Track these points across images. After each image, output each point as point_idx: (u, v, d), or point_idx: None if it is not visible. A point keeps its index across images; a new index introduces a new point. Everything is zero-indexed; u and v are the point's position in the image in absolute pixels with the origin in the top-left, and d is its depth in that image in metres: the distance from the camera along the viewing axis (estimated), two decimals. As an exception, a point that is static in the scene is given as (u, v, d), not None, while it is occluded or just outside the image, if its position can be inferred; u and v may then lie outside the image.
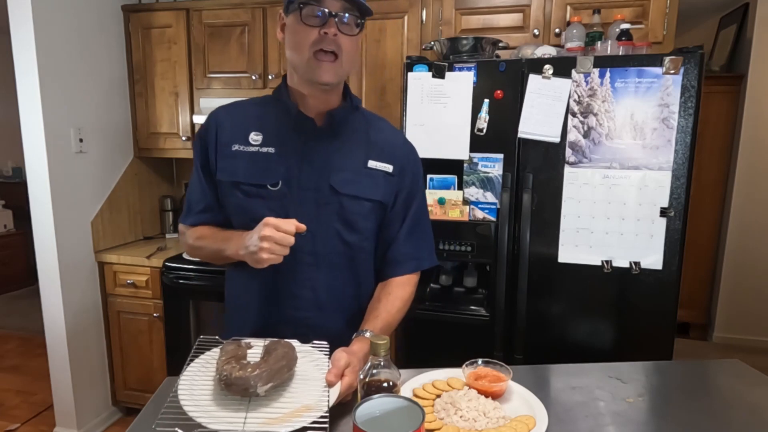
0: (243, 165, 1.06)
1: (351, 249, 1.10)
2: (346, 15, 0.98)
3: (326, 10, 0.96)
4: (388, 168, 1.11)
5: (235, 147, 1.07)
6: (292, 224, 0.91)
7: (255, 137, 1.07)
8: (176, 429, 0.74)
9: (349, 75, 1.08)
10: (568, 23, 1.96)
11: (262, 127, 1.08)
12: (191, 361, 0.91)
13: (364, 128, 1.13)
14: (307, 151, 1.06)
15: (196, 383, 0.85)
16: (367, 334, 1.01)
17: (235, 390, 0.79)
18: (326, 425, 0.75)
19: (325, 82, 1.01)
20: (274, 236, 0.89)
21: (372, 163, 1.09)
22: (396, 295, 1.12)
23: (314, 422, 0.76)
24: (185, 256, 2.39)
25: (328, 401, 0.81)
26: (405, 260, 1.15)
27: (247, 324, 1.11)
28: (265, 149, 1.06)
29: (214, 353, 0.93)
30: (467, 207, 1.86)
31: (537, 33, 2.09)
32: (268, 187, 1.04)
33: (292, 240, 0.91)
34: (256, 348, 0.93)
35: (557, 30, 2.06)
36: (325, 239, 1.07)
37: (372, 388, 0.79)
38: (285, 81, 1.11)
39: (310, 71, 1.00)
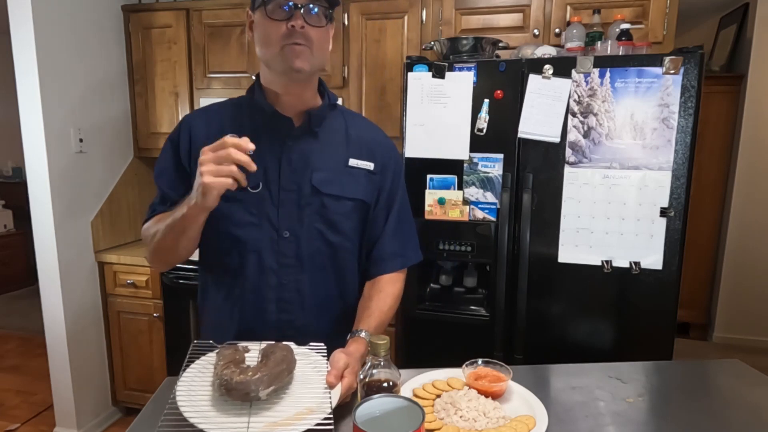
0: None
1: (334, 249, 1.08)
2: (313, 7, 0.95)
3: (291, 3, 0.93)
4: (369, 166, 1.10)
5: None
6: (228, 140, 0.84)
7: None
8: None
9: (322, 67, 1.05)
10: (568, 23, 1.96)
11: (238, 128, 1.04)
12: (187, 366, 0.90)
13: (343, 126, 1.11)
14: (286, 151, 1.04)
15: (195, 389, 0.84)
16: (363, 334, 1.00)
17: (236, 395, 0.78)
18: (331, 427, 0.75)
19: (298, 68, 0.96)
20: (208, 157, 0.84)
21: (353, 162, 1.08)
22: (387, 292, 1.11)
23: (318, 424, 0.76)
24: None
25: (331, 403, 0.81)
26: (391, 258, 1.14)
27: (230, 329, 1.08)
28: None
29: (210, 358, 0.92)
30: (467, 207, 1.86)
31: (537, 33, 2.09)
32: (249, 189, 1.01)
33: (233, 153, 0.83)
34: (253, 351, 0.92)
35: (557, 30, 2.06)
36: (308, 240, 1.05)
37: (372, 388, 0.79)
38: (258, 81, 1.07)
39: (282, 60, 0.96)
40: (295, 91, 1.04)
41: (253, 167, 0.84)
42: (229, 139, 0.84)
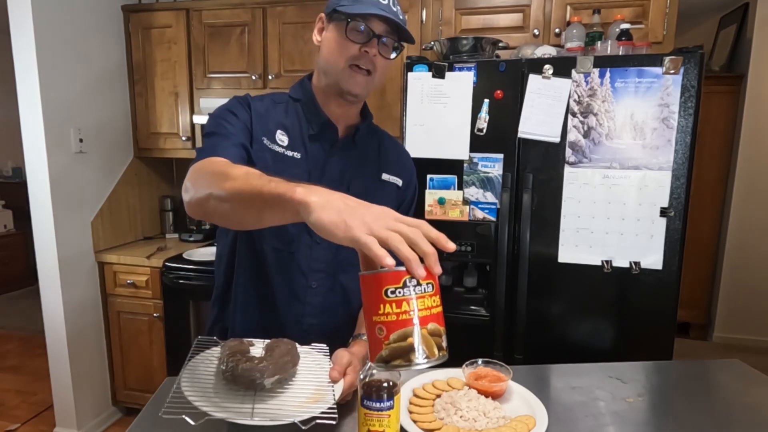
0: (273, 165, 1.02)
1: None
2: (388, 39, 0.98)
3: (371, 30, 0.96)
4: (399, 182, 1.15)
5: (265, 141, 1.04)
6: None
7: (281, 137, 1.05)
8: (183, 416, 0.73)
9: (373, 90, 1.09)
10: (568, 23, 1.96)
11: (287, 128, 1.06)
12: (191, 358, 0.91)
13: (376, 141, 1.16)
14: (328, 160, 1.07)
15: (199, 377, 0.85)
16: (364, 338, 1.00)
17: (241, 382, 0.79)
18: (335, 414, 0.76)
19: (355, 94, 1.01)
20: (390, 223, 0.65)
21: (385, 176, 1.13)
22: None
23: (323, 413, 0.76)
24: (186, 256, 2.39)
25: (334, 394, 0.81)
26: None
27: (249, 328, 1.09)
28: (290, 153, 1.05)
29: (214, 351, 0.93)
30: (467, 207, 1.86)
31: (537, 33, 2.09)
32: None
33: (420, 240, 0.65)
34: (257, 346, 0.93)
35: (557, 30, 2.06)
36: (340, 248, 1.06)
37: (372, 388, 0.79)
38: (306, 85, 1.09)
39: (342, 80, 1.00)
40: (344, 106, 1.07)
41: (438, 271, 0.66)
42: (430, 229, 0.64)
